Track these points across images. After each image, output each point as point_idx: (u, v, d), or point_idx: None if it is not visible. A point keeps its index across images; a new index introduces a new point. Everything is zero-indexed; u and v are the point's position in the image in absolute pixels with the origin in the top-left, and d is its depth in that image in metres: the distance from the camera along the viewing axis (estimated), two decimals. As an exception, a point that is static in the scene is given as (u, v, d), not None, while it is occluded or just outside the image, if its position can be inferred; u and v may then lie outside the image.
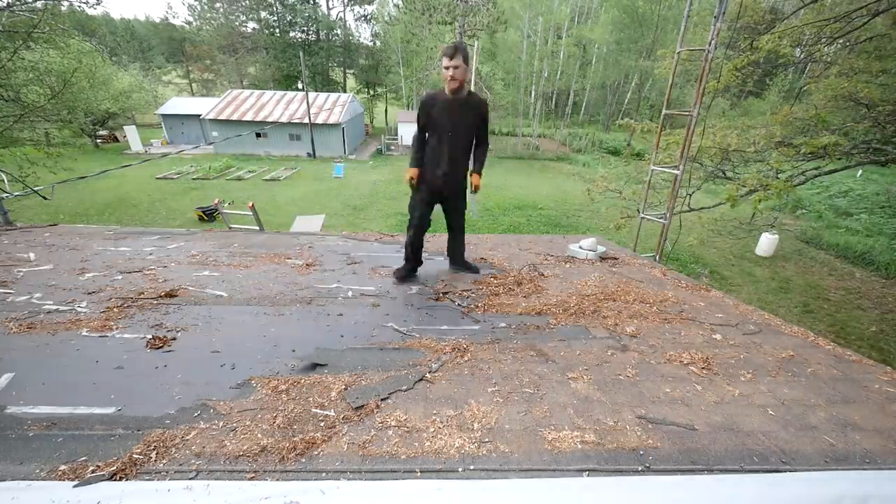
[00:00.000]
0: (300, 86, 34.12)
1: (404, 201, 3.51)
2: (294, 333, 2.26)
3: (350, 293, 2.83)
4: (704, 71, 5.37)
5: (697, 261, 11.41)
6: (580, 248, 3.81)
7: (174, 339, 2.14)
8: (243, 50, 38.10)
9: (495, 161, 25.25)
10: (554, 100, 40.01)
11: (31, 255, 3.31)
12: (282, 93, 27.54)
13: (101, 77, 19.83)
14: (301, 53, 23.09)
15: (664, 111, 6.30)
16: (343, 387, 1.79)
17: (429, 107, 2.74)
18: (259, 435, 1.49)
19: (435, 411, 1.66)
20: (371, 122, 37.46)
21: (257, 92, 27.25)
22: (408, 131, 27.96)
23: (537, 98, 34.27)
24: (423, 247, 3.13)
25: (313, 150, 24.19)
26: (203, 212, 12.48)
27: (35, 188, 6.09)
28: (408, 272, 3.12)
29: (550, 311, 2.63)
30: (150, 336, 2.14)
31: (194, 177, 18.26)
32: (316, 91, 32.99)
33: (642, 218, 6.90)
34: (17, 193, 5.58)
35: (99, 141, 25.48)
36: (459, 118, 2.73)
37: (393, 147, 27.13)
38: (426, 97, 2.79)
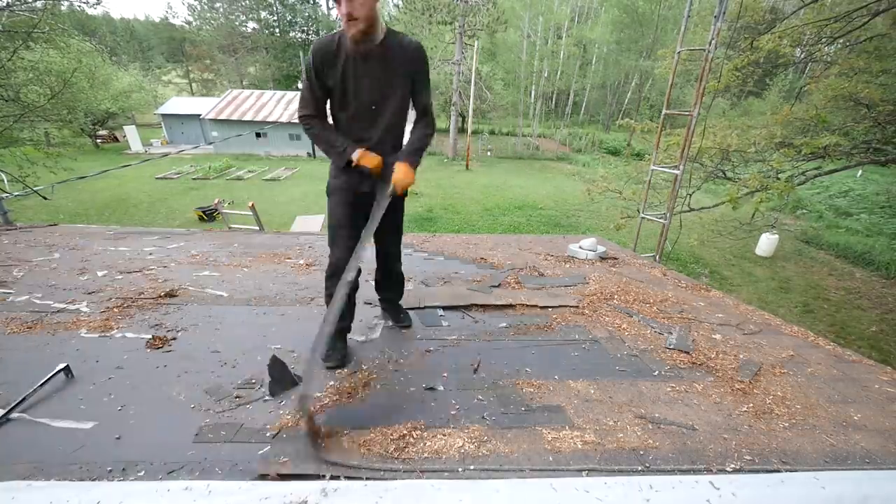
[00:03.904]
0: (300, 86, 34.06)
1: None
2: (294, 333, 2.26)
3: (350, 293, 2.82)
4: (704, 71, 5.38)
5: (697, 261, 11.41)
6: (580, 248, 3.81)
7: (174, 339, 2.14)
8: (243, 50, 38.11)
9: (495, 161, 25.25)
10: (554, 100, 40.01)
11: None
12: (282, 93, 27.50)
13: (101, 77, 19.83)
14: (301, 53, 23.14)
15: (664, 111, 6.31)
16: (343, 387, 1.79)
17: (323, 65, 1.70)
18: (259, 435, 1.49)
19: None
20: (371, 122, 37.39)
21: (257, 92, 27.23)
22: (407, 131, 27.84)
23: (537, 98, 34.30)
24: (357, 287, 1.97)
25: (313, 150, 24.16)
26: (203, 212, 12.47)
27: (35, 188, 6.10)
28: (340, 350, 1.93)
29: (550, 310, 2.63)
30: (150, 336, 2.14)
31: (194, 177, 18.24)
32: (316, 91, 32.91)
33: (642, 218, 6.90)
34: (17, 193, 5.59)
35: (99, 141, 25.49)
36: (377, 77, 1.76)
37: (393, 147, 27.09)
38: (314, 48, 1.71)
